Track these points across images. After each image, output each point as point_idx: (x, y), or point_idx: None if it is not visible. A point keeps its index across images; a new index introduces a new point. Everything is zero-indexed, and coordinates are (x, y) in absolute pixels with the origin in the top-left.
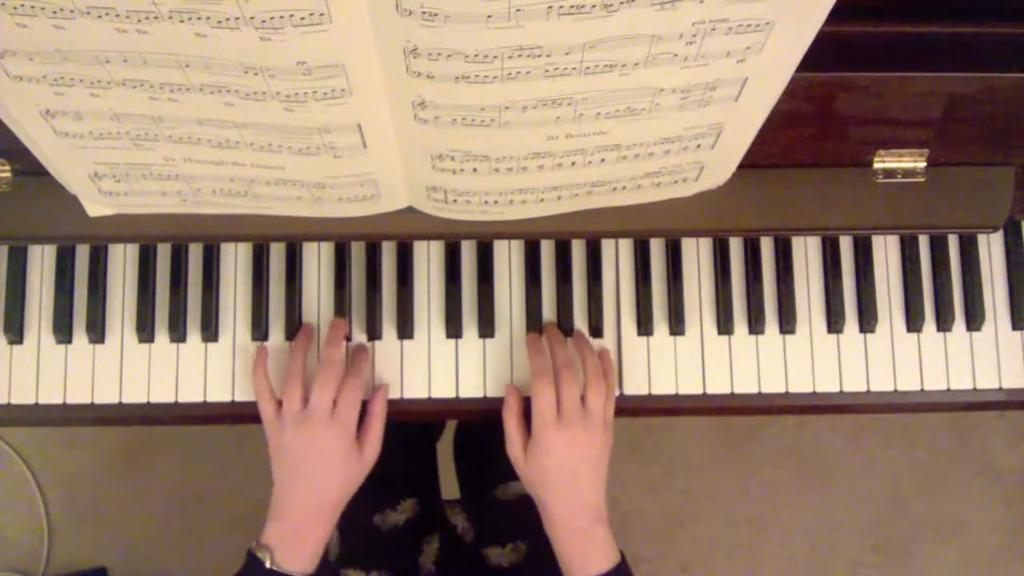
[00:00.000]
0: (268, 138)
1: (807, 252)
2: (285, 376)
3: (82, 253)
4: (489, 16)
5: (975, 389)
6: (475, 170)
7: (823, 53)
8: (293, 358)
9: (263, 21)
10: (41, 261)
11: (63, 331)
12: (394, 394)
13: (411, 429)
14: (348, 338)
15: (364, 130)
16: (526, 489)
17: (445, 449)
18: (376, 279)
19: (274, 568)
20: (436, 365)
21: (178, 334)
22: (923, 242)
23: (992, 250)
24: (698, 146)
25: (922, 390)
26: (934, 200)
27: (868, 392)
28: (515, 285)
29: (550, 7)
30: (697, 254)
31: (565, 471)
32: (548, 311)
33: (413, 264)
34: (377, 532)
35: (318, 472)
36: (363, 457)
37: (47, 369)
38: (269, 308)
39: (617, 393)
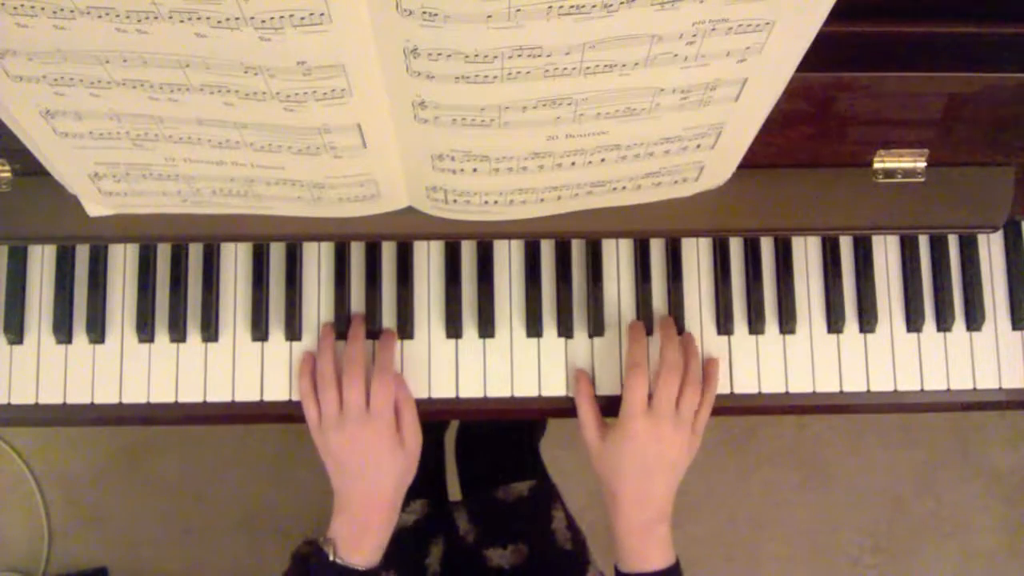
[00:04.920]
0: (268, 138)
1: (807, 252)
2: (318, 381)
3: (82, 253)
4: (489, 16)
5: (975, 389)
6: (475, 170)
7: (823, 53)
8: (321, 362)
9: (263, 21)
10: (41, 261)
11: (63, 331)
12: None
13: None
14: (376, 333)
15: (364, 130)
16: (597, 475)
17: (448, 448)
18: (376, 279)
19: (337, 560)
20: (436, 365)
21: (178, 334)
22: (923, 242)
23: (992, 250)
24: (698, 146)
25: (922, 390)
26: (934, 200)
27: (868, 392)
28: (515, 285)
29: (550, 7)
30: (697, 254)
31: (642, 462)
32: (548, 311)
33: (413, 264)
34: None
35: (368, 469)
36: (406, 447)
37: (47, 369)
38: (269, 308)
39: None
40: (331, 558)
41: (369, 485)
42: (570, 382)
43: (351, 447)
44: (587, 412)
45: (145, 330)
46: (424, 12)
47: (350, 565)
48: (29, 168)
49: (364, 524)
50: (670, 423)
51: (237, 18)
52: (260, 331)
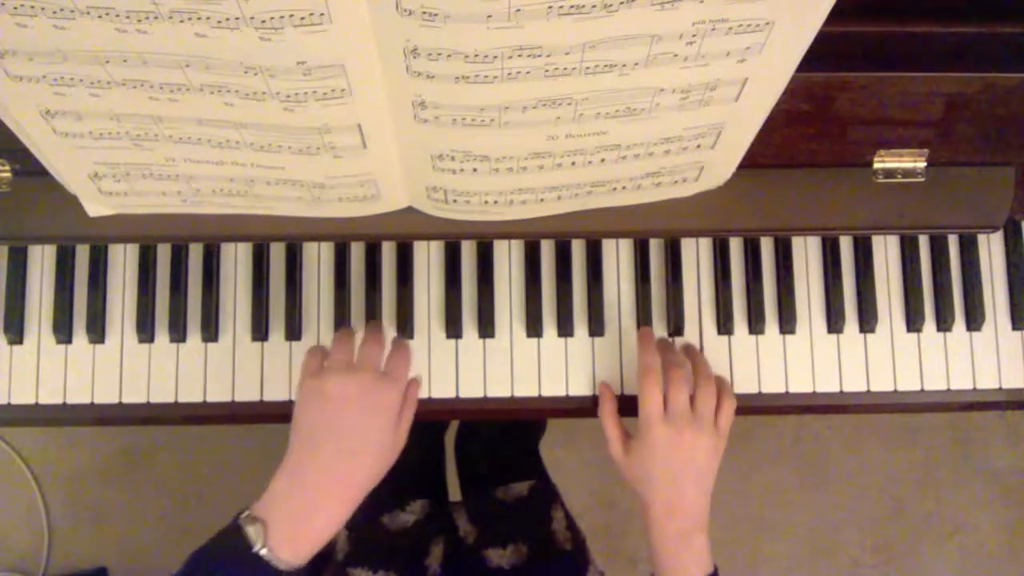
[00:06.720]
0: (268, 138)
1: (807, 252)
2: (336, 335)
3: (82, 253)
4: (489, 16)
5: (975, 389)
6: (475, 170)
7: (823, 53)
8: (341, 330)
9: (263, 21)
10: (41, 261)
11: (63, 331)
12: None
13: (419, 428)
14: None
15: (364, 130)
16: (630, 487)
17: (448, 448)
18: (376, 279)
19: (262, 553)
20: (436, 365)
21: (178, 334)
22: (923, 242)
23: (992, 250)
24: (698, 146)
25: (922, 390)
26: (934, 200)
27: (868, 392)
28: (515, 285)
29: (550, 7)
30: (697, 254)
31: (669, 471)
32: (548, 311)
33: (413, 264)
34: (386, 532)
35: (357, 431)
36: (397, 441)
37: (47, 369)
38: (269, 308)
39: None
40: (255, 548)
41: (346, 452)
42: (569, 383)
43: (354, 394)
44: (612, 428)
45: (145, 330)
46: (424, 12)
47: (273, 562)
48: (29, 168)
49: (314, 506)
50: (690, 426)
51: (237, 18)
52: (260, 331)
